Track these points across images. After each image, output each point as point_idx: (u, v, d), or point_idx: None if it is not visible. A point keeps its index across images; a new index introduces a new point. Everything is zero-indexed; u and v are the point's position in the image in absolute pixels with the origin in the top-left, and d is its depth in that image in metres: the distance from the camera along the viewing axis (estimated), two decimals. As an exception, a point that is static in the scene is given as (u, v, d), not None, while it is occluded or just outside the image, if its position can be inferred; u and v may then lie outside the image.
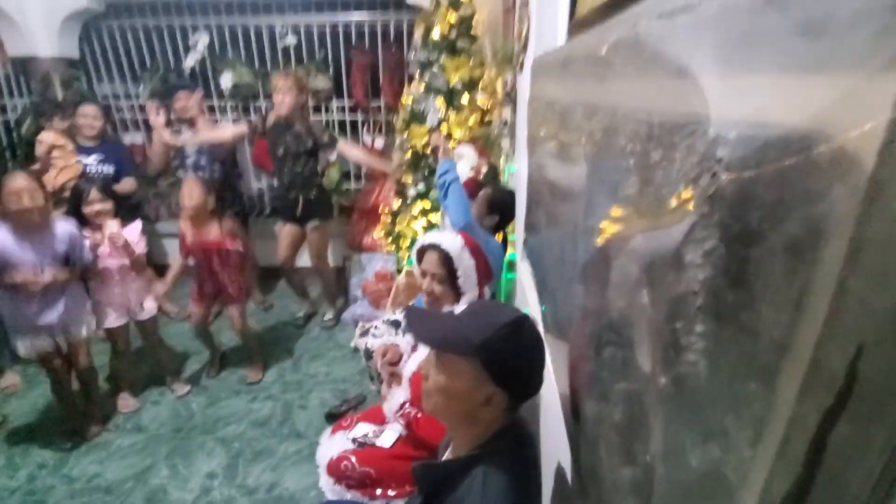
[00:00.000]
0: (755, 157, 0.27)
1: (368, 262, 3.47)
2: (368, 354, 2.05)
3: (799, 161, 0.24)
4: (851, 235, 0.21)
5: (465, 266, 1.50)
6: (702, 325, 0.33)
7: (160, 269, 3.09)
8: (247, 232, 3.42)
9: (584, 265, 0.76)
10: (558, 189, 1.03)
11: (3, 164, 3.66)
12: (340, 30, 3.72)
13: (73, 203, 2.28)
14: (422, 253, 1.57)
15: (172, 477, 2.12)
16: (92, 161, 3.04)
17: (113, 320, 2.35)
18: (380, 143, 3.83)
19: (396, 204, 3.29)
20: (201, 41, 3.71)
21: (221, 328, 3.14)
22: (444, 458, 1.04)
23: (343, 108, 3.91)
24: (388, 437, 1.53)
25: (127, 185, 3.13)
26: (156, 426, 2.43)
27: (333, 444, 1.57)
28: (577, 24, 0.96)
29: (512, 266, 1.97)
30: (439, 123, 2.94)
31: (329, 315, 3.40)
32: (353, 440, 1.56)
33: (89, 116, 3.02)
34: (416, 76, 3.06)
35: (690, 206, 0.34)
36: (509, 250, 2.22)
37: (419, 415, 1.42)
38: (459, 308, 1.01)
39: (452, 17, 2.85)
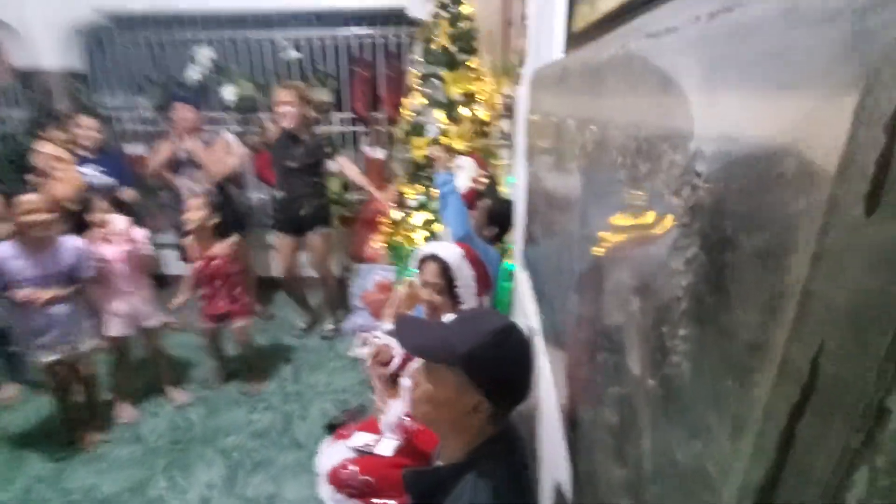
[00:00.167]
0: (729, 171, 0.29)
1: (368, 273, 3.48)
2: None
3: (768, 174, 0.26)
4: (815, 243, 0.23)
5: (464, 276, 1.52)
6: (685, 329, 0.34)
7: (160, 280, 3.10)
8: (246, 246, 3.42)
9: (579, 274, 0.78)
10: (555, 200, 1.05)
11: (4, 176, 3.69)
12: (341, 44, 3.78)
13: (80, 215, 2.33)
14: (422, 263, 1.59)
15: (171, 488, 2.12)
16: (92, 172, 3.06)
17: (117, 329, 2.37)
18: (380, 154, 3.87)
19: (397, 215, 3.32)
20: (205, 55, 3.76)
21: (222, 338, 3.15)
22: (434, 465, 1.05)
23: (344, 121, 3.96)
24: (387, 445, 1.54)
25: (129, 194, 3.15)
26: (154, 437, 2.43)
27: (333, 453, 1.58)
28: (575, 39, 0.99)
29: (510, 276, 1.99)
30: (439, 136, 2.98)
31: (329, 325, 3.41)
32: (354, 449, 1.57)
33: (87, 128, 3.06)
34: (416, 89, 3.10)
35: (673, 217, 0.36)
36: (507, 260, 2.24)
37: (418, 427, 1.43)
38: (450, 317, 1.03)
39: (452, 31, 2.90)
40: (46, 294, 2.02)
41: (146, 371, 2.74)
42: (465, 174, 2.73)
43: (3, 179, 3.23)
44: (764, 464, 0.26)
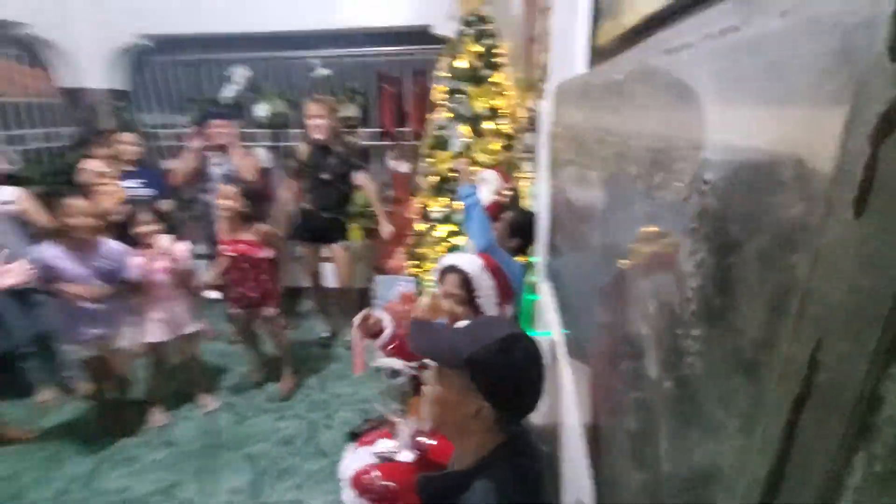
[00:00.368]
0: (734, 178, 0.31)
1: (392, 284, 3.52)
2: (392, 374, 2.08)
3: (769, 180, 0.28)
4: (814, 243, 0.25)
5: (485, 287, 1.53)
6: (696, 329, 0.36)
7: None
8: (280, 239, 3.50)
9: (602, 286, 0.79)
10: (578, 212, 1.07)
11: (51, 191, 3.89)
12: (369, 62, 3.90)
13: (123, 225, 2.46)
14: (442, 275, 1.62)
15: (199, 492, 2.17)
16: (134, 185, 3.22)
17: (156, 335, 2.47)
18: (405, 168, 3.94)
19: (421, 227, 3.36)
20: (242, 73, 3.93)
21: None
22: (445, 471, 1.06)
23: (372, 135, 4.07)
24: (409, 452, 1.55)
25: (165, 205, 3.29)
26: (185, 441, 2.50)
27: (356, 459, 1.60)
28: (598, 54, 1.02)
29: (533, 288, 1.99)
30: (463, 149, 3.02)
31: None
32: (376, 455, 1.59)
33: (129, 143, 3.22)
34: (441, 104, 3.16)
35: (684, 224, 0.38)
36: (530, 272, 2.24)
37: (432, 443, 1.45)
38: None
39: (476, 48, 2.96)
40: (89, 290, 2.16)
41: (178, 376, 2.84)
42: (488, 187, 2.76)
43: (51, 193, 3.41)
44: (770, 456, 0.27)
